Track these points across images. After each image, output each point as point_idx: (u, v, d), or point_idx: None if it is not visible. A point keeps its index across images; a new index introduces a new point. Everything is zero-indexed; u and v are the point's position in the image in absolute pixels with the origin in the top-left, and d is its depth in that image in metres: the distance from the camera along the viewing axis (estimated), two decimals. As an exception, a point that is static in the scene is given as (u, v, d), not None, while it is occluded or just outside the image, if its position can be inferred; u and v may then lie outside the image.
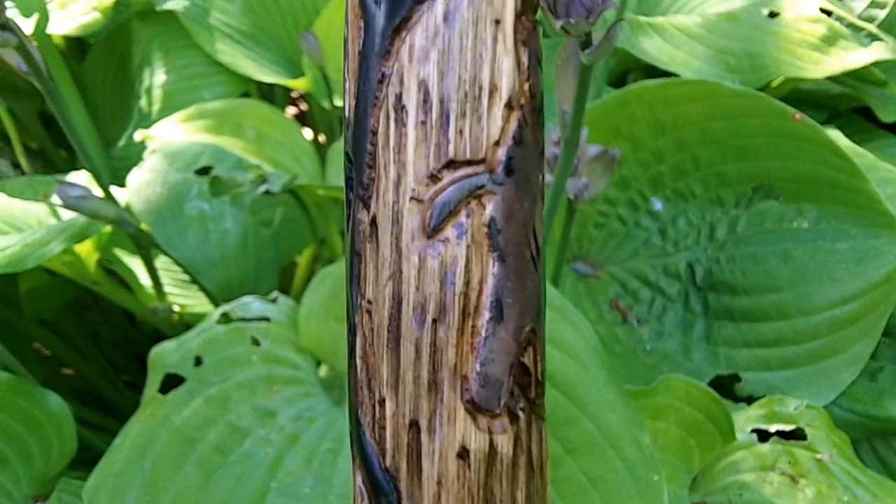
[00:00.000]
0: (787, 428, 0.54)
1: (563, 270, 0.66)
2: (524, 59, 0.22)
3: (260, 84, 0.85)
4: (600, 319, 0.67)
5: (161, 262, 0.76)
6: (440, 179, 0.22)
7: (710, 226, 0.66)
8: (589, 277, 0.69)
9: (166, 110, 0.80)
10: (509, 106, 0.22)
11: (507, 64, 0.22)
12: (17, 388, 0.58)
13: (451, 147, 0.22)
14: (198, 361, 0.53)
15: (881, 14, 0.84)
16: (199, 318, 0.74)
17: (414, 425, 0.23)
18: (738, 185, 0.65)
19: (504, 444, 0.23)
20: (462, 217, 0.22)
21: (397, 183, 0.23)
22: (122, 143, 0.85)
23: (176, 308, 0.74)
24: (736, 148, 0.64)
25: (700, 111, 0.64)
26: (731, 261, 0.64)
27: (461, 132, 0.22)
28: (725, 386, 0.62)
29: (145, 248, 0.69)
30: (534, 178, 0.23)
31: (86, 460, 0.62)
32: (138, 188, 0.68)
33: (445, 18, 0.22)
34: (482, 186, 0.22)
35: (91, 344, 0.86)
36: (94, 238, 0.66)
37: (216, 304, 0.74)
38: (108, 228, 0.65)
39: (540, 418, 0.24)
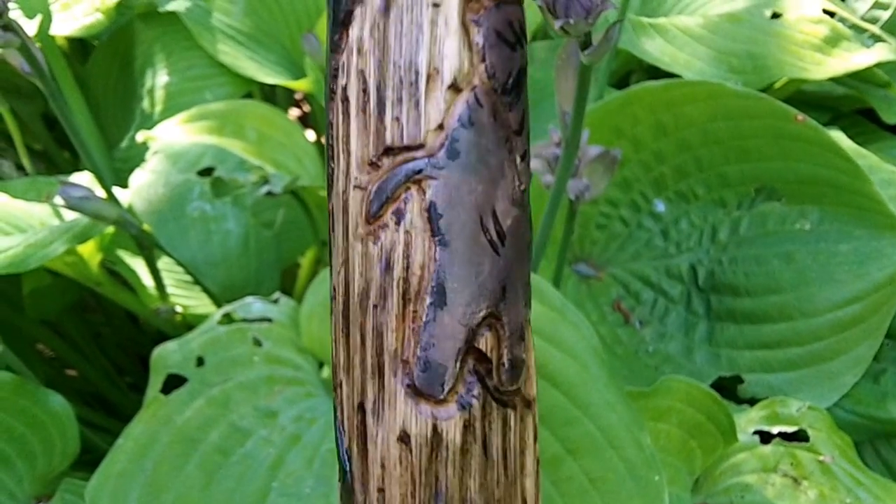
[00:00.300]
0: (790, 429, 0.54)
1: (565, 272, 0.66)
2: (477, 38, 0.22)
3: (262, 85, 0.85)
4: (602, 321, 0.67)
5: (163, 262, 0.76)
6: (379, 167, 0.22)
7: (713, 227, 0.66)
8: (591, 279, 0.69)
9: (168, 111, 0.80)
10: (454, 88, 0.22)
11: (449, 46, 0.22)
12: (21, 389, 0.58)
13: (387, 134, 0.22)
14: (200, 362, 0.53)
15: (884, 15, 0.84)
16: (202, 318, 0.74)
17: (361, 408, 0.23)
18: (741, 186, 0.65)
19: (450, 430, 0.23)
20: (401, 203, 0.22)
21: (346, 172, 0.23)
22: (124, 144, 0.85)
23: (178, 309, 0.74)
24: (738, 149, 0.64)
25: (702, 112, 0.64)
26: (734, 262, 0.64)
27: (397, 119, 0.22)
28: (728, 388, 0.61)
29: (147, 248, 0.69)
30: (493, 161, 0.23)
31: (88, 461, 0.62)
32: (140, 189, 0.68)
33: (383, 8, 0.22)
34: (420, 171, 0.22)
35: (94, 345, 0.86)
36: (97, 239, 0.66)
37: (218, 304, 0.74)
38: (110, 229, 0.65)
39: (508, 406, 0.24)
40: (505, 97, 0.23)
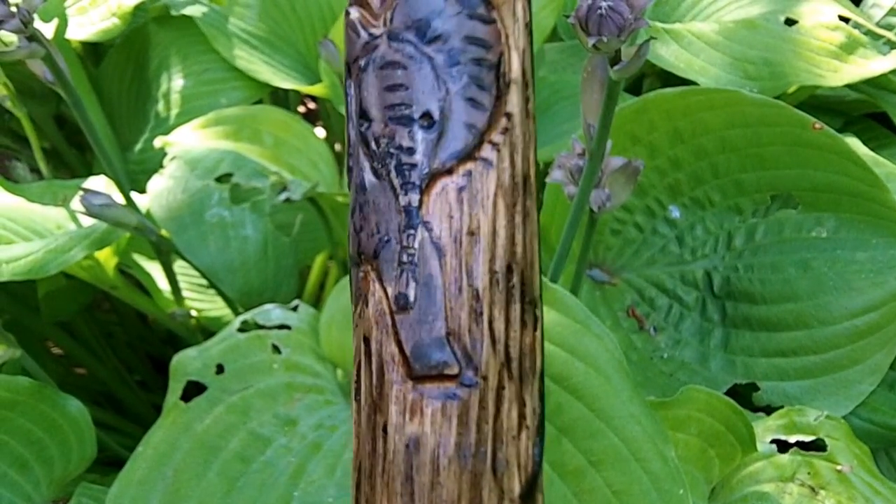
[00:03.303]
0: (807, 439, 0.54)
1: (582, 279, 0.66)
2: None
3: (276, 89, 0.86)
4: (616, 327, 0.67)
5: (178, 266, 0.76)
6: None
7: (728, 234, 0.66)
8: (605, 285, 0.69)
9: (184, 115, 0.80)
10: None
11: None
12: (39, 393, 0.59)
13: None
14: (219, 369, 0.54)
15: (900, 22, 0.84)
16: (216, 322, 0.75)
17: None
18: (757, 193, 0.65)
19: None
20: None
21: None
22: (138, 147, 0.85)
23: (193, 313, 0.75)
24: (755, 156, 0.64)
25: (719, 119, 0.64)
26: (749, 269, 0.64)
27: None
28: (743, 395, 0.62)
29: (165, 253, 0.69)
30: None
31: (98, 461, 0.63)
32: (159, 195, 0.69)
33: None
34: None
35: (105, 344, 0.86)
36: (113, 243, 0.66)
37: (234, 309, 0.74)
38: (127, 234, 0.65)
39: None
40: None
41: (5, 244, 0.64)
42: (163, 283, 0.75)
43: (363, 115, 0.26)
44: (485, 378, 0.25)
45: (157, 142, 0.73)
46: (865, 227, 0.62)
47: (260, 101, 0.85)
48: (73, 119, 0.94)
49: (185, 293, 0.76)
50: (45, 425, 0.59)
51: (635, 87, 0.89)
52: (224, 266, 0.66)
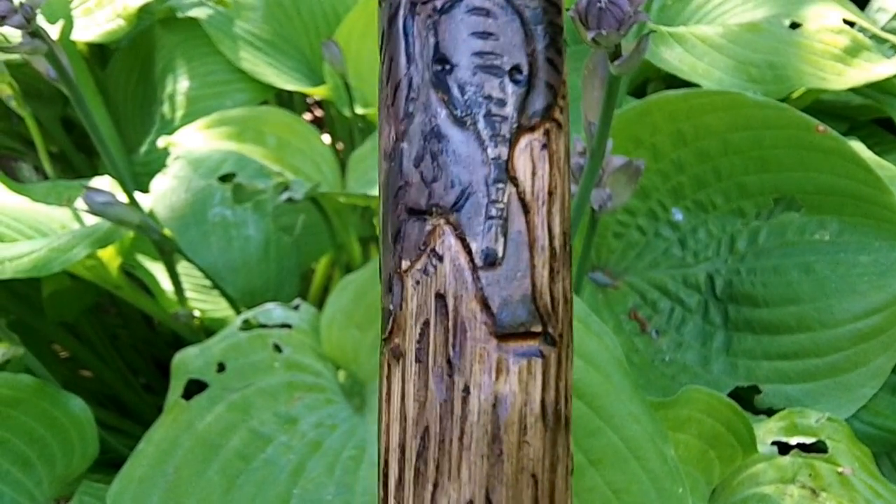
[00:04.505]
0: (808, 441, 0.54)
1: (583, 280, 0.66)
2: None
3: (280, 92, 0.86)
4: (619, 330, 0.67)
5: (181, 266, 0.77)
6: None
7: (731, 237, 0.66)
8: (607, 287, 0.69)
9: (189, 117, 0.81)
10: None
11: None
12: (41, 392, 0.59)
13: None
14: (220, 367, 0.54)
15: (904, 26, 0.84)
16: (220, 323, 0.75)
17: None
18: (760, 196, 0.65)
19: None
20: None
21: None
22: (144, 148, 0.86)
23: (196, 313, 0.75)
24: (758, 159, 0.64)
25: (722, 122, 0.64)
26: (752, 272, 0.64)
27: None
28: (745, 398, 0.61)
29: (168, 253, 0.69)
30: None
31: (102, 462, 0.63)
32: (163, 194, 0.69)
33: None
34: None
35: (110, 346, 0.86)
36: (117, 243, 0.66)
37: (237, 309, 0.74)
38: (130, 234, 0.65)
39: None
40: None
41: (9, 243, 0.64)
42: (166, 283, 0.75)
43: (441, 58, 0.25)
44: (560, 336, 0.25)
45: (161, 142, 0.74)
46: (868, 231, 0.62)
47: (265, 104, 0.86)
48: (80, 122, 0.94)
49: (188, 294, 0.76)
50: (48, 423, 0.59)
51: (640, 92, 0.89)
52: (226, 265, 0.67)
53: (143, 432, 0.53)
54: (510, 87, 0.25)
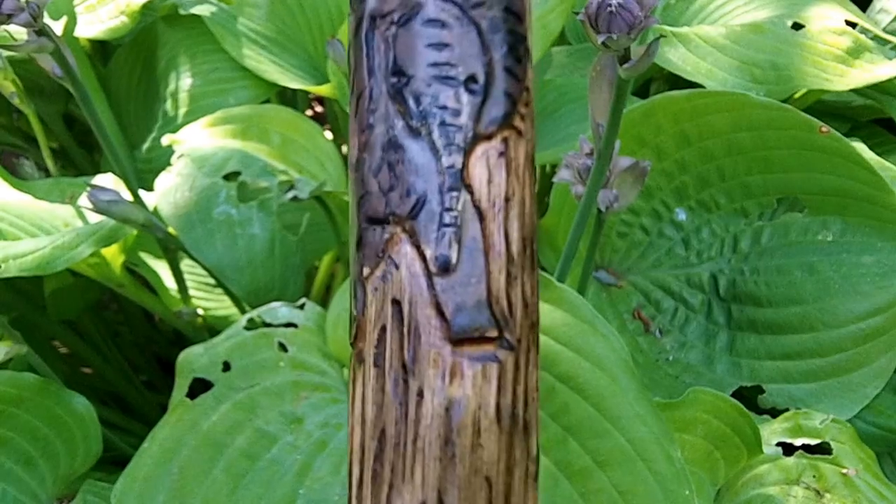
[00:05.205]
0: (813, 442, 0.54)
1: (588, 280, 0.67)
2: None
3: (282, 89, 0.86)
4: (622, 329, 0.67)
5: (184, 264, 0.77)
6: None
7: (734, 237, 0.66)
8: (611, 287, 0.69)
9: (192, 114, 0.81)
10: None
11: None
12: (44, 390, 0.59)
13: None
14: (226, 366, 0.54)
15: (906, 27, 0.84)
16: (223, 321, 0.75)
17: None
18: (763, 196, 0.65)
19: None
20: None
21: None
22: (146, 146, 0.86)
23: (200, 311, 0.75)
24: (761, 159, 0.64)
25: (726, 122, 0.64)
26: (755, 272, 0.64)
27: None
28: (748, 397, 0.62)
29: (172, 251, 0.69)
30: None
31: (104, 460, 0.63)
32: (167, 192, 0.69)
33: None
34: None
35: (112, 344, 0.86)
36: (121, 241, 0.66)
37: (240, 307, 0.74)
38: (134, 232, 0.65)
39: None
40: None
41: (12, 241, 0.64)
42: (170, 281, 0.75)
43: (398, 71, 0.26)
44: (519, 341, 0.25)
45: (165, 139, 0.74)
46: (871, 231, 0.62)
47: (267, 101, 0.86)
48: (82, 118, 0.94)
49: (191, 292, 0.76)
50: (51, 422, 0.59)
51: (643, 92, 0.89)
52: (231, 264, 0.66)
53: (145, 430, 0.53)
54: (465, 97, 0.25)
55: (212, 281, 0.77)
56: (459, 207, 0.25)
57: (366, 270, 0.26)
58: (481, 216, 0.25)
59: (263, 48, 0.82)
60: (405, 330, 0.25)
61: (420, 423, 0.24)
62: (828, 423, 0.54)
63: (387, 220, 0.25)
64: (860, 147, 0.64)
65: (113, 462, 0.68)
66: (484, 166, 0.25)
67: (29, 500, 0.58)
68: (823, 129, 0.61)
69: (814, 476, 0.52)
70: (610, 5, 0.33)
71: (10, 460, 0.58)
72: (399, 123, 0.26)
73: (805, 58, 0.73)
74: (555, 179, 0.50)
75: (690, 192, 0.67)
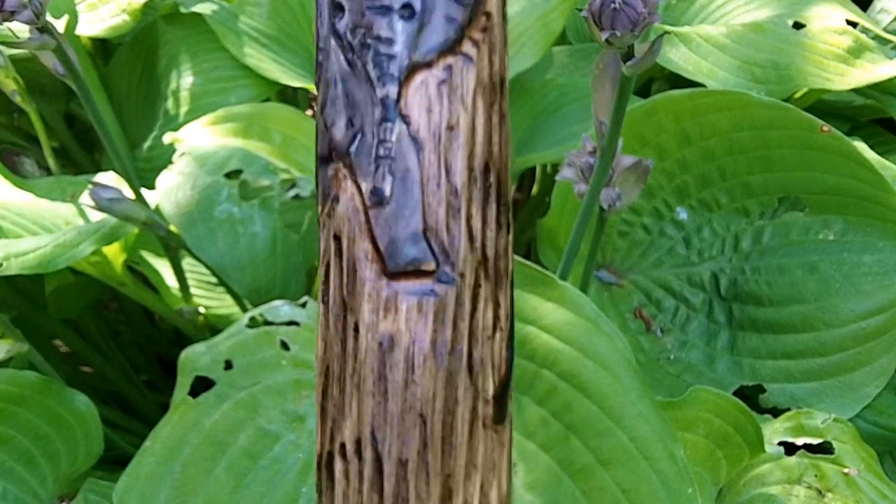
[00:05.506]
0: (815, 441, 0.54)
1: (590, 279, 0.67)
2: None
3: (285, 88, 0.86)
4: (624, 328, 0.67)
5: (185, 263, 0.77)
6: None
7: (735, 236, 0.66)
8: (612, 286, 0.69)
9: (193, 112, 0.80)
10: None
11: None
12: (46, 389, 0.59)
13: None
14: (228, 365, 0.53)
15: (907, 27, 0.84)
16: (224, 320, 0.75)
17: None
18: (764, 195, 0.65)
19: None
20: None
21: None
22: (147, 144, 0.85)
23: (201, 310, 0.75)
24: (762, 159, 0.64)
25: (727, 122, 0.64)
26: (756, 271, 0.64)
27: None
28: (749, 396, 0.62)
29: (174, 250, 0.69)
30: None
31: (104, 458, 0.63)
32: (169, 191, 0.69)
33: None
34: None
35: (112, 343, 0.86)
36: (122, 239, 0.66)
37: (242, 306, 0.74)
38: (135, 230, 0.65)
39: None
40: None
41: (14, 239, 0.64)
42: (171, 280, 0.75)
43: (337, 6, 0.25)
44: (462, 275, 0.24)
45: (167, 138, 0.73)
46: (873, 231, 0.62)
47: (267, 100, 0.86)
48: (82, 117, 0.94)
49: (192, 290, 0.76)
50: (52, 420, 0.59)
51: (644, 91, 0.89)
52: (233, 262, 0.66)
53: (145, 429, 0.53)
54: (399, 25, 0.25)
55: (213, 279, 0.77)
56: (394, 139, 0.24)
57: (320, 209, 0.26)
58: (419, 147, 0.24)
59: (265, 47, 0.82)
60: (344, 265, 0.25)
61: (356, 358, 0.24)
62: (829, 422, 0.54)
63: (331, 157, 0.25)
64: (861, 146, 0.64)
65: (113, 461, 0.68)
66: (423, 95, 0.25)
67: (30, 498, 0.58)
68: (825, 128, 0.61)
69: (815, 476, 0.52)
70: (614, 2, 0.33)
71: (11, 459, 0.58)
72: (340, 58, 0.25)
73: (806, 57, 0.73)
74: (557, 178, 0.50)
75: (692, 191, 0.67)
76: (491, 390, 0.25)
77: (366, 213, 0.24)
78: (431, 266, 0.24)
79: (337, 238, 0.25)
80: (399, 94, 0.24)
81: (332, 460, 0.25)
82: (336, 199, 0.25)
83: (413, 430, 0.24)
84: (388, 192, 0.24)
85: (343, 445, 0.24)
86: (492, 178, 0.25)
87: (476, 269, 0.25)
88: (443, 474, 0.24)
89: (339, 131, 0.25)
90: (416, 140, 0.24)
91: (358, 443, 0.24)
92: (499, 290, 0.25)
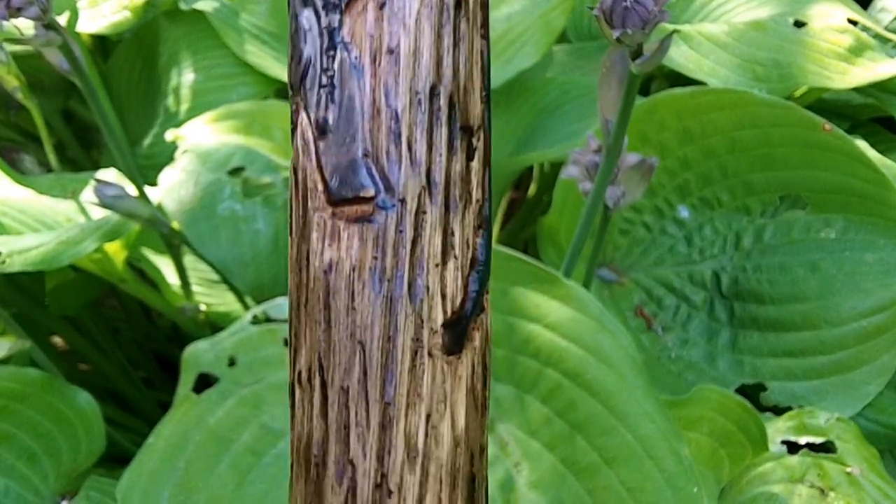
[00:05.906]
0: (817, 440, 0.54)
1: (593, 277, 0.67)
2: None
3: (285, 85, 0.86)
4: (624, 326, 0.67)
5: (187, 260, 0.76)
6: None
7: (737, 234, 0.66)
8: (613, 284, 0.69)
9: (194, 110, 0.80)
10: None
11: None
12: (48, 386, 0.59)
13: None
14: (231, 362, 0.53)
15: (908, 25, 0.84)
16: (225, 317, 0.75)
17: None
18: (766, 193, 0.65)
19: None
20: None
21: None
22: (147, 141, 0.85)
23: (202, 307, 0.75)
24: (764, 157, 0.64)
25: (729, 120, 0.64)
26: (758, 270, 0.64)
27: None
28: (750, 395, 0.62)
29: (176, 247, 0.69)
30: None
31: (102, 456, 0.63)
32: (171, 188, 0.69)
33: None
34: None
35: (111, 340, 0.86)
36: (123, 236, 0.66)
37: (243, 303, 0.74)
38: (136, 227, 0.65)
39: None
40: None
41: (15, 235, 0.64)
42: (172, 277, 0.75)
43: None
44: (402, 201, 0.24)
45: (169, 135, 0.73)
46: (874, 229, 0.62)
47: (266, 98, 0.85)
48: (80, 114, 0.94)
49: (193, 288, 0.76)
50: (54, 417, 0.59)
51: (644, 90, 0.89)
52: (235, 260, 0.66)
53: (143, 427, 0.53)
54: None
55: (213, 277, 0.77)
56: (336, 66, 0.24)
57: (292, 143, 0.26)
58: (359, 73, 0.24)
59: (265, 44, 0.82)
60: (300, 196, 0.25)
61: (308, 286, 0.24)
62: (832, 421, 0.55)
63: (291, 91, 0.25)
64: (863, 145, 0.64)
65: (112, 459, 0.68)
66: (364, 21, 0.24)
67: (31, 496, 0.58)
68: (826, 126, 0.61)
69: (818, 474, 0.52)
70: (625, 1, 0.33)
71: (12, 456, 0.58)
72: None
73: (807, 56, 0.73)
74: (562, 176, 0.50)
75: (693, 190, 0.67)
76: (440, 319, 0.24)
77: (316, 144, 0.24)
78: (371, 192, 0.24)
79: (294, 170, 0.25)
80: (340, 21, 0.25)
81: (293, 389, 0.26)
82: (295, 133, 0.25)
83: (353, 357, 0.24)
84: (331, 120, 0.24)
85: (300, 373, 0.25)
86: (441, 102, 0.25)
87: (419, 195, 0.24)
88: (382, 402, 0.24)
89: (295, 64, 0.25)
90: (356, 66, 0.24)
91: (309, 370, 0.24)
92: (452, 217, 0.25)
